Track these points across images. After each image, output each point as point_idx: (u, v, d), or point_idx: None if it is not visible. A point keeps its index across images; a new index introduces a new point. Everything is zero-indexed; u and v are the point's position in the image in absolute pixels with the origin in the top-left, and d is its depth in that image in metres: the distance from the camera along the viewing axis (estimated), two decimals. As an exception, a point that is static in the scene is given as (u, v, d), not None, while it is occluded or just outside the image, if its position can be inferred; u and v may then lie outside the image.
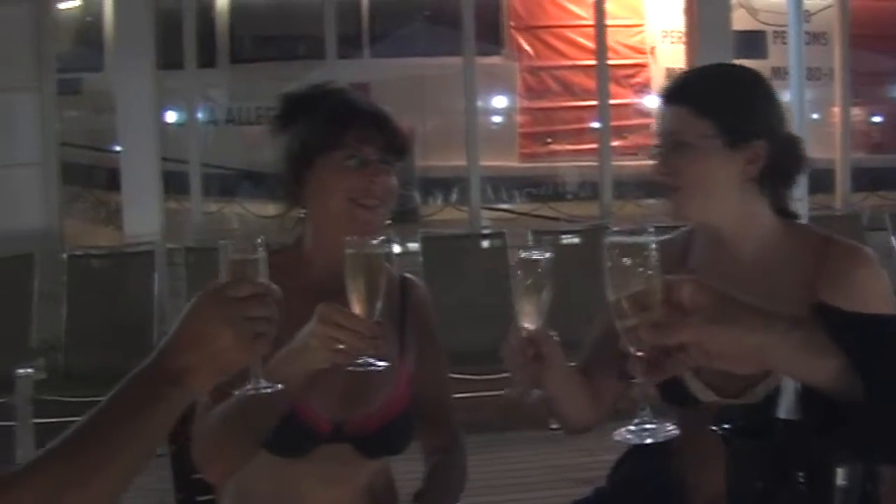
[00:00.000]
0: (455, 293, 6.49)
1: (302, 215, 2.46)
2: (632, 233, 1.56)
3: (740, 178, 2.37)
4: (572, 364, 2.36)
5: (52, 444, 1.51)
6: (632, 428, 1.67)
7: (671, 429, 1.67)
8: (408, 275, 2.62)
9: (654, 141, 2.42)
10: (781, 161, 2.40)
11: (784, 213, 2.46)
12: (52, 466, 1.48)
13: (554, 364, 2.15)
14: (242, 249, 1.77)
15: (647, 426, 1.66)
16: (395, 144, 2.40)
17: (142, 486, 5.57)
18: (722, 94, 2.40)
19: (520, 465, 5.99)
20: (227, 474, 2.35)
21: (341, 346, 2.06)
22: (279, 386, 1.88)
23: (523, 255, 2.06)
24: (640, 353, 1.51)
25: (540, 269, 2.05)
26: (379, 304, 2.09)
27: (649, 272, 1.52)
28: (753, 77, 2.49)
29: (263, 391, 1.83)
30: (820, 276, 2.34)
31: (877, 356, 1.38)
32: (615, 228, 1.61)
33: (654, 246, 1.54)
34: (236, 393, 1.90)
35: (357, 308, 2.07)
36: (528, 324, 2.08)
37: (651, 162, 2.42)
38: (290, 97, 2.48)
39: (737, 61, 8.27)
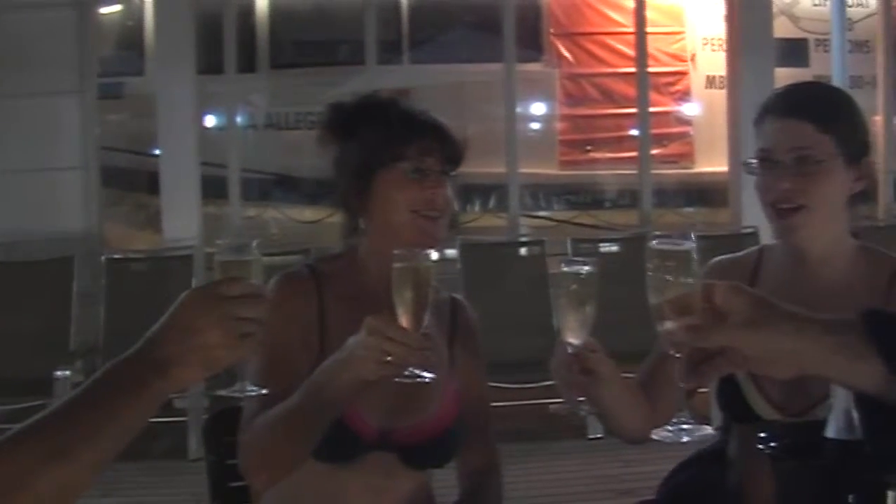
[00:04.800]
0: (493, 301, 6.47)
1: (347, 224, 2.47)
2: (674, 240, 1.58)
3: (848, 197, 2.34)
4: (628, 375, 2.34)
5: (31, 421, 1.52)
6: (670, 427, 1.73)
7: (708, 429, 1.74)
8: (456, 295, 2.63)
9: (757, 154, 2.37)
10: (872, 179, 2.37)
11: (853, 232, 2.43)
12: (30, 442, 1.49)
13: (604, 378, 2.13)
14: (235, 250, 1.79)
15: (685, 426, 1.72)
16: (454, 155, 2.43)
17: (176, 493, 5.57)
18: (838, 110, 2.35)
19: (559, 475, 5.97)
20: (274, 481, 2.36)
21: (389, 358, 2.06)
22: (264, 391, 1.95)
23: (565, 268, 2.03)
24: (678, 356, 1.51)
25: (582, 282, 2.02)
26: (427, 317, 2.08)
27: (690, 278, 1.55)
28: (848, 94, 2.45)
29: (248, 394, 1.90)
30: (891, 301, 2.30)
31: None
32: (656, 233, 1.62)
33: (695, 253, 1.58)
34: (221, 393, 1.92)
35: (405, 320, 2.06)
36: (573, 339, 2.05)
37: (755, 176, 2.37)
38: (342, 107, 2.47)
39: (778, 69, 8.33)
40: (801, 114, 2.33)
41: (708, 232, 7.96)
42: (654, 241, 1.59)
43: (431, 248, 2.22)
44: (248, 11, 11.83)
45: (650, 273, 1.57)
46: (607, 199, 12.09)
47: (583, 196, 12.22)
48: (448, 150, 2.42)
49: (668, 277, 1.55)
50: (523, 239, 7.94)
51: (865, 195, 2.43)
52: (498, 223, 8.94)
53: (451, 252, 6.99)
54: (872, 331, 1.36)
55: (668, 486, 2.57)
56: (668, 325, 1.52)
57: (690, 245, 1.58)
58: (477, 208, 11.20)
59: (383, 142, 2.40)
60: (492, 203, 10.86)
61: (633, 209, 9.09)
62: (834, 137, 2.29)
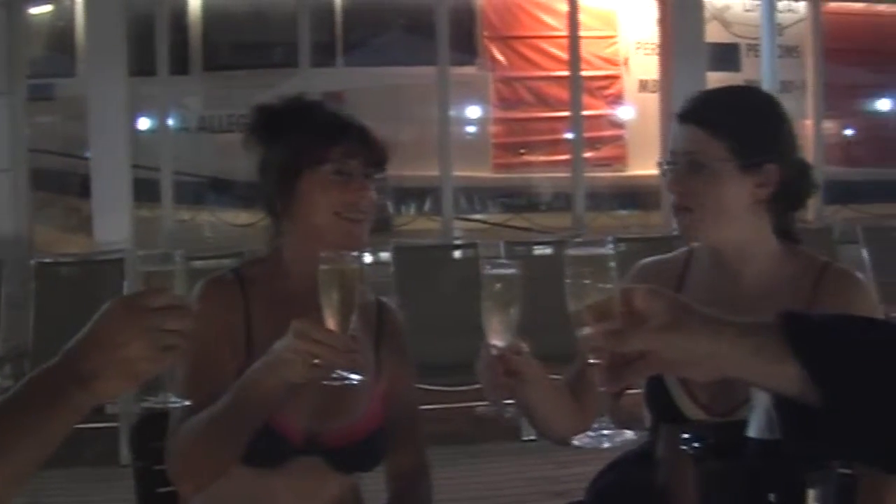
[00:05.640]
0: (427, 303, 6.46)
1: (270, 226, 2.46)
2: (591, 244, 1.58)
3: (751, 201, 2.36)
4: (556, 377, 2.35)
5: None
6: (590, 433, 1.75)
7: (628, 434, 1.75)
8: (383, 298, 2.63)
9: (666, 157, 2.42)
10: (791, 185, 2.39)
11: (786, 235, 2.46)
12: None
13: (529, 379, 2.14)
14: (158, 260, 1.76)
15: (605, 431, 1.74)
16: (378, 158, 2.43)
17: (107, 500, 5.50)
18: (737, 117, 2.39)
19: (492, 478, 5.97)
20: (201, 487, 2.34)
21: (317, 361, 2.06)
22: (187, 402, 1.93)
23: (489, 270, 2.04)
24: (597, 362, 1.51)
25: (506, 285, 2.03)
26: (354, 318, 2.08)
27: (608, 283, 1.54)
28: (768, 100, 2.48)
29: (171, 406, 1.86)
30: (815, 302, 2.34)
31: (834, 361, 1.36)
32: (576, 240, 1.62)
33: (612, 257, 1.57)
34: (145, 404, 1.90)
35: (332, 322, 2.06)
36: (497, 341, 2.06)
37: (663, 178, 2.42)
38: (268, 109, 2.47)
39: (710, 73, 8.42)
40: (696, 119, 2.38)
41: (640, 234, 8.02)
42: (570, 249, 1.58)
43: (355, 250, 2.23)
44: (180, 13, 11.74)
45: (568, 280, 1.56)
46: (541, 202, 12.15)
47: (517, 199, 12.28)
48: (372, 153, 2.42)
49: (586, 283, 1.54)
50: (457, 242, 7.97)
51: (798, 199, 2.47)
52: (432, 226, 8.96)
53: (384, 255, 6.99)
54: (789, 333, 1.37)
55: (595, 487, 2.59)
56: (588, 330, 1.52)
57: (607, 250, 1.58)
58: (411, 211, 11.22)
59: (308, 144, 2.40)
60: (426, 206, 10.88)
61: (566, 212, 9.15)
62: (726, 143, 2.33)
